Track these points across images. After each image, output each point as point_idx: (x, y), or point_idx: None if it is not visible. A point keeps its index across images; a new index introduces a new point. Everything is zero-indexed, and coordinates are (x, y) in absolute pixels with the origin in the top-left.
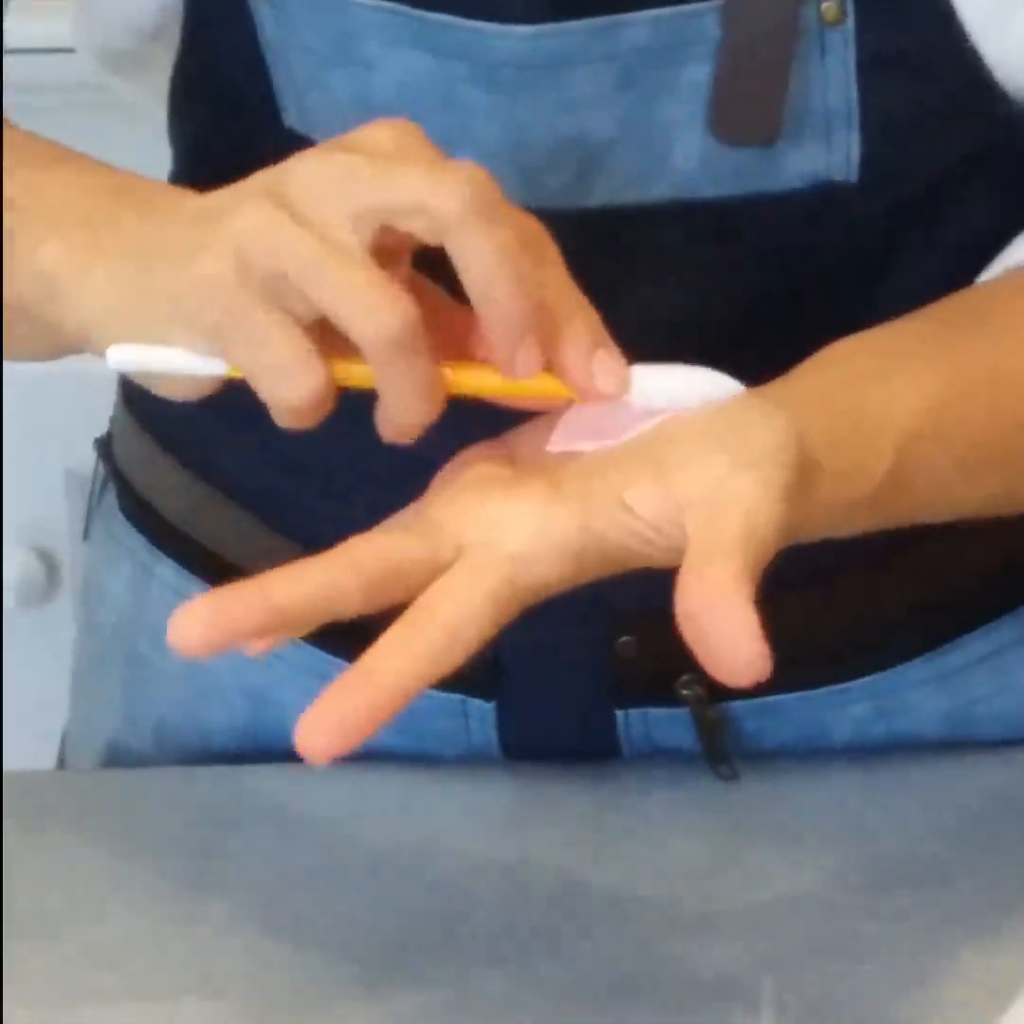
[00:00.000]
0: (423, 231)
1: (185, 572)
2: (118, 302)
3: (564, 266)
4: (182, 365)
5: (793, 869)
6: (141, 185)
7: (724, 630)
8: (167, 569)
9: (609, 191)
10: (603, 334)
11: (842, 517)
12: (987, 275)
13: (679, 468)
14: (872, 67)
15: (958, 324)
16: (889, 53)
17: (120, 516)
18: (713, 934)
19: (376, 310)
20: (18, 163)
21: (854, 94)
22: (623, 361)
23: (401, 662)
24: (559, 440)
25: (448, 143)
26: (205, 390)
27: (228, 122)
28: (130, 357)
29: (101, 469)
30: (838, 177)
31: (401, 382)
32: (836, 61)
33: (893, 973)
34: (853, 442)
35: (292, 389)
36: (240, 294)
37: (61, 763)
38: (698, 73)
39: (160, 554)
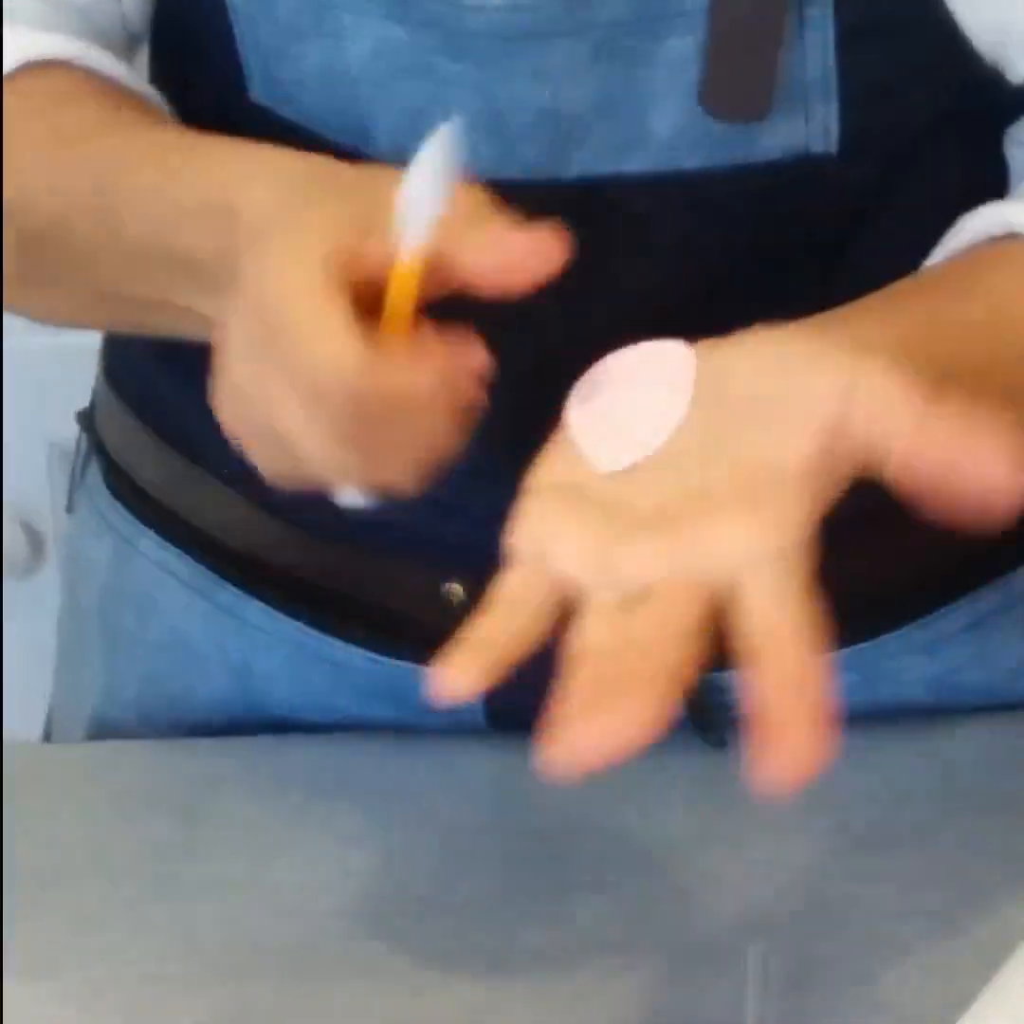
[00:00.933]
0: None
1: (167, 545)
2: None
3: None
4: None
5: (777, 835)
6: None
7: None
8: (149, 542)
9: (587, 163)
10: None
11: None
12: (952, 241)
13: (806, 394)
14: (850, 38)
15: (945, 287)
16: (866, 23)
17: (103, 489)
18: (698, 899)
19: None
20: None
21: (832, 66)
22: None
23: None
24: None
25: (422, 112)
26: None
27: (196, 97)
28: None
29: (84, 442)
30: (817, 148)
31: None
32: (815, 34)
33: (878, 936)
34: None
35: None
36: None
37: (47, 736)
38: (678, 45)
39: (142, 527)
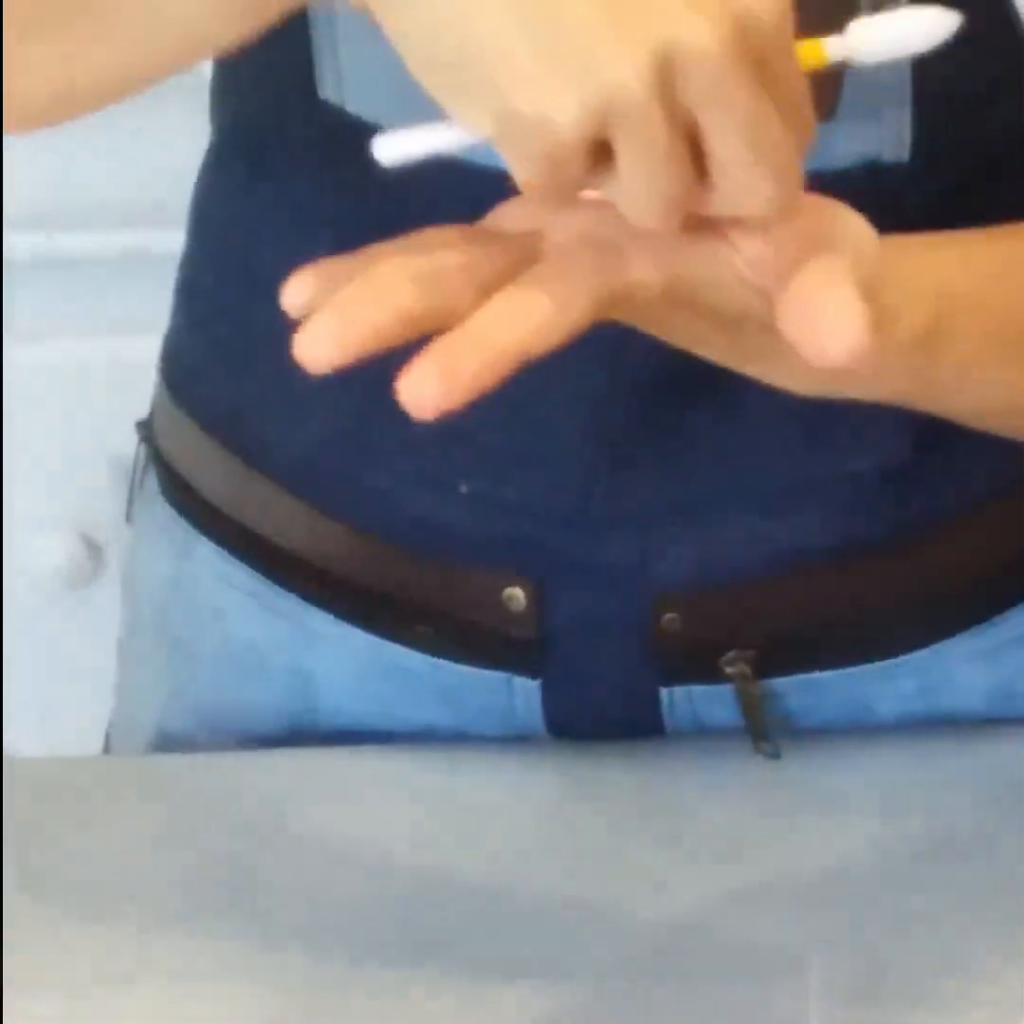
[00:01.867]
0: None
1: (227, 555)
2: None
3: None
4: (457, 140)
5: (837, 844)
6: None
7: (828, 306)
8: (209, 551)
9: None
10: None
11: (882, 362)
12: None
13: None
14: None
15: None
16: None
17: (161, 499)
18: (758, 909)
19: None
20: None
21: (908, 73)
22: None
23: (511, 326)
24: None
25: None
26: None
27: (265, 95)
28: (398, 150)
29: (143, 452)
30: (889, 157)
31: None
32: None
33: (939, 946)
34: (896, 287)
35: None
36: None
37: (107, 748)
38: None
39: (201, 537)
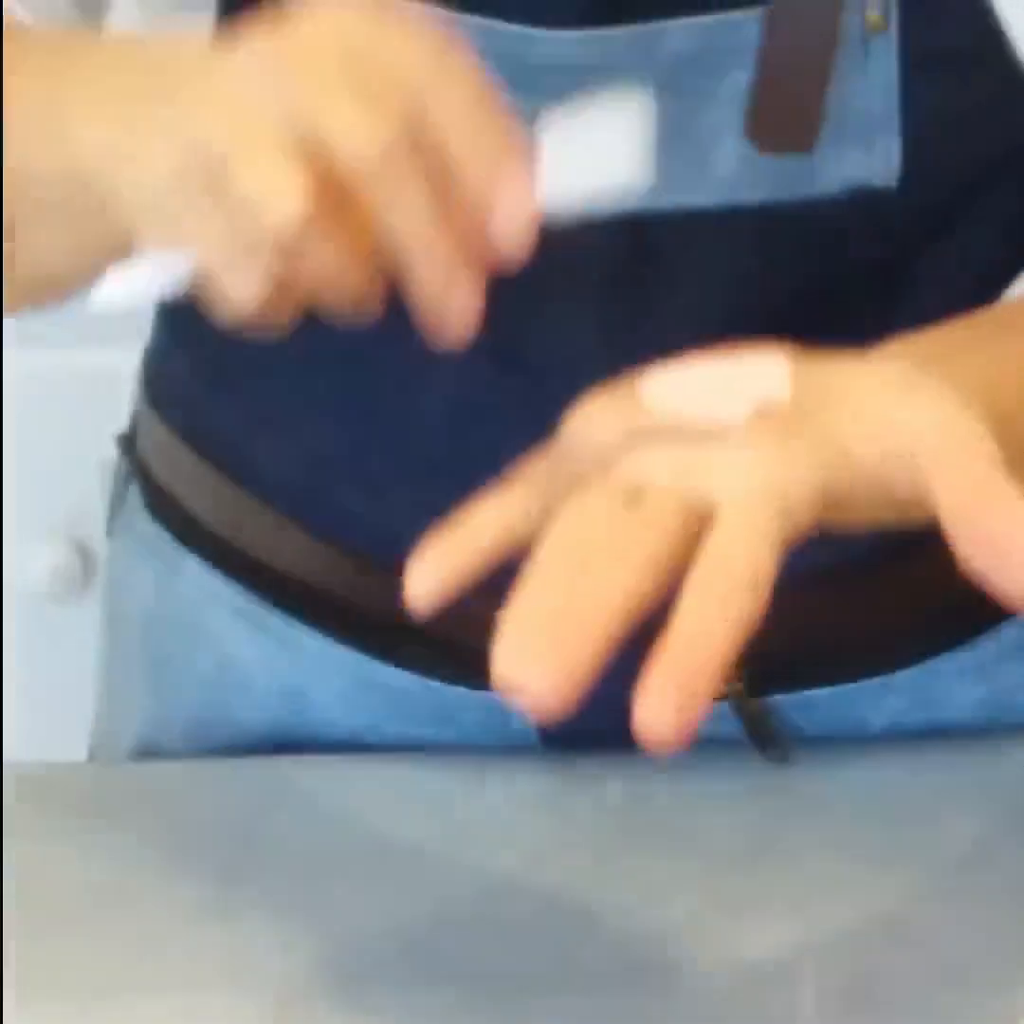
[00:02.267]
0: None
1: (213, 571)
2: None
3: (469, 83)
4: (158, 276)
5: (832, 853)
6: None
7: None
8: (194, 567)
9: (648, 197)
10: (503, 142)
11: None
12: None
13: (888, 412)
14: (913, 71)
15: (1006, 324)
16: (930, 56)
17: (144, 512)
18: (752, 918)
19: (278, 194)
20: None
21: (895, 99)
22: (525, 171)
23: (718, 626)
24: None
25: None
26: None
27: None
28: (115, 294)
29: (124, 466)
30: (878, 182)
31: (322, 263)
32: (878, 67)
33: (936, 956)
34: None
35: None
36: (185, 190)
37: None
38: (740, 80)
39: (185, 551)
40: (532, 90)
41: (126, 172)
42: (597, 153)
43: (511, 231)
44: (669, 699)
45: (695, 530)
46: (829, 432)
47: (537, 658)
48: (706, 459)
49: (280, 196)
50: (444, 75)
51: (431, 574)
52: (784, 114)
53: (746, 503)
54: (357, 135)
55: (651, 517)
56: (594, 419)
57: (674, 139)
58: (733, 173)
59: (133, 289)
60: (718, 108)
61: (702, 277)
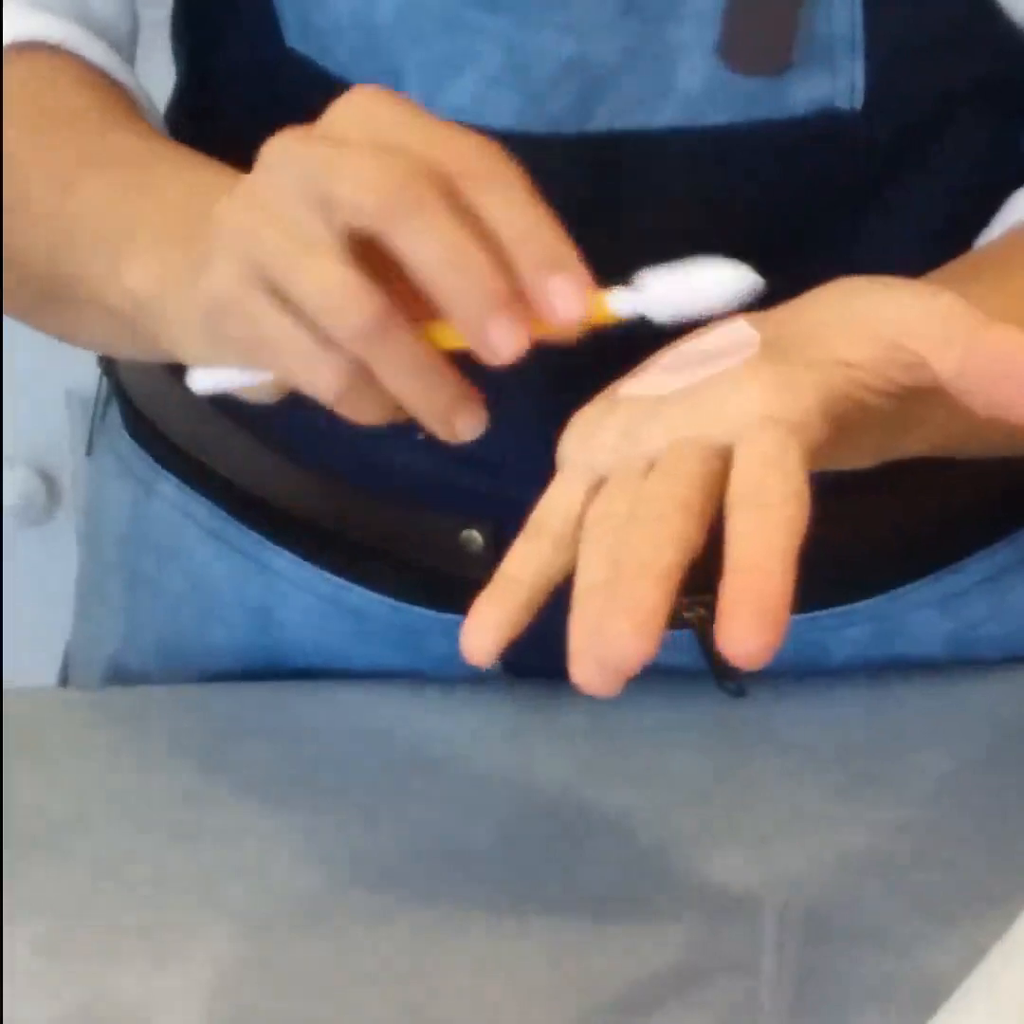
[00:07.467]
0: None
1: (188, 489)
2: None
3: (520, 185)
4: (249, 379)
5: (794, 784)
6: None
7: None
8: (170, 486)
9: (612, 116)
10: (561, 253)
11: None
12: (990, 232)
13: (866, 312)
14: None
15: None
16: None
17: (123, 433)
18: (715, 848)
19: (341, 311)
20: (112, 160)
21: (859, 20)
22: (582, 282)
23: (775, 540)
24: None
25: (450, 66)
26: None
27: (228, 40)
28: (207, 382)
29: (104, 386)
30: (842, 104)
31: (392, 370)
32: None
33: (894, 886)
34: None
35: (321, 374)
36: (247, 300)
37: (63, 680)
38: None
39: (163, 471)
40: (494, 8)
41: (172, 301)
42: (694, 289)
43: (563, 310)
44: (752, 623)
45: (717, 469)
46: (816, 349)
47: (617, 637)
48: (705, 407)
49: (345, 301)
50: (491, 165)
51: (489, 634)
52: (758, 36)
53: (758, 431)
54: (361, 182)
55: (670, 468)
56: (586, 432)
57: (638, 58)
58: (698, 93)
59: (225, 377)
60: (683, 27)
61: (662, 198)
